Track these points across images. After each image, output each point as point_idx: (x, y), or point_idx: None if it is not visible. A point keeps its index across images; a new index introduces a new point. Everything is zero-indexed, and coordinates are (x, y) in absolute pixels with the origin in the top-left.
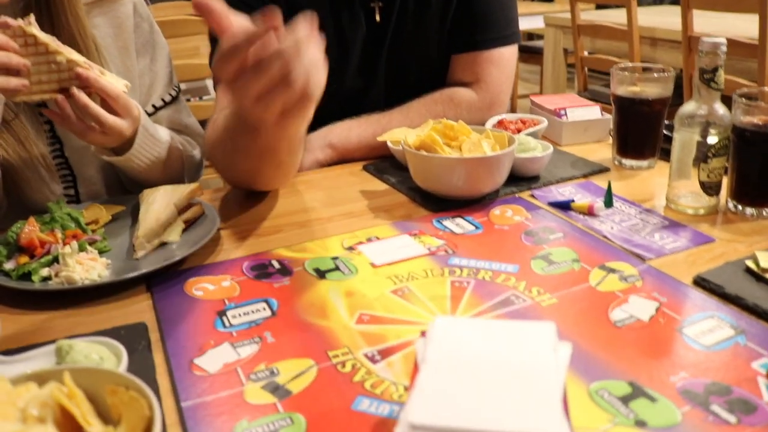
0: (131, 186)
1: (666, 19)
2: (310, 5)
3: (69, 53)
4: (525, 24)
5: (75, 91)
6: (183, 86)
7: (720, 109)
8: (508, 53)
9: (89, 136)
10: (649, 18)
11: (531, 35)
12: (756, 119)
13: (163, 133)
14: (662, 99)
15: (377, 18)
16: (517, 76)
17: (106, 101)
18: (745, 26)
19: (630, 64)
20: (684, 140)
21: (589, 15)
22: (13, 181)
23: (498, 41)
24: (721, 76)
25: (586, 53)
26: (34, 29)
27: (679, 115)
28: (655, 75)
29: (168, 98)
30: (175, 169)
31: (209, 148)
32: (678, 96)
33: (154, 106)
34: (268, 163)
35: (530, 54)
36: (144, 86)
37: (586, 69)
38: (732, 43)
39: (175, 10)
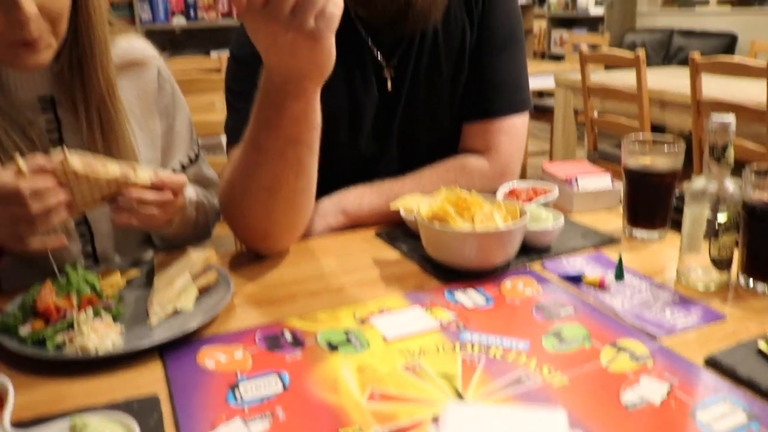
0: (161, 243)
1: (675, 81)
2: None
3: (107, 171)
4: (536, 83)
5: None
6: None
7: (730, 185)
8: (519, 121)
9: (154, 222)
10: (659, 80)
11: (541, 93)
12: (766, 195)
13: (191, 193)
14: (673, 172)
15: (389, 85)
16: (528, 134)
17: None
18: (753, 90)
19: (641, 136)
20: (694, 215)
21: (599, 75)
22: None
23: (509, 109)
24: (731, 153)
25: (596, 114)
26: (73, 162)
27: (689, 191)
28: (666, 148)
29: (192, 156)
30: (202, 224)
31: (223, 199)
32: (687, 157)
33: (182, 164)
34: (285, 185)
35: (541, 112)
36: (166, 146)
37: (596, 129)
38: (740, 108)
39: (191, 64)
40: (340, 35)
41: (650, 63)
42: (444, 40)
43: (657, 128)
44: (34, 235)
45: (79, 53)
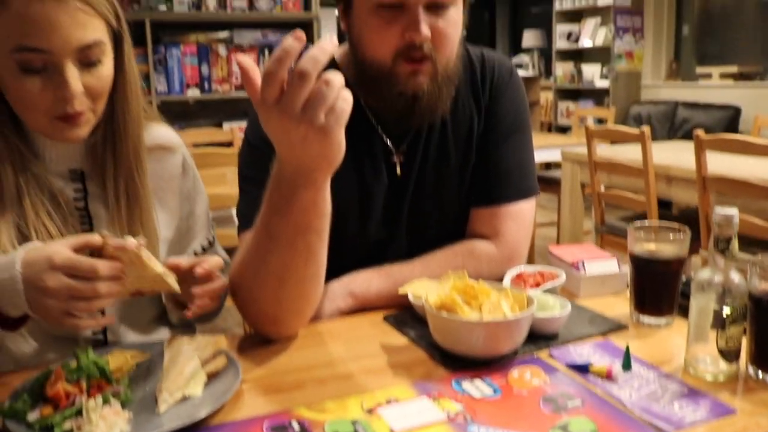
0: (178, 321)
1: (681, 156)
2: None
3: (155, 265)
4: (543, 155)
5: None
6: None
7: (736, 277)
8: (527, 207)
9: (201, 308)
10: (664, 154)
11: (549, 165)
12: None
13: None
14: (679, 259)
15: (398, 171)
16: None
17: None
18: (759, 165)
19: (646, 224)
20: (700, 306)
21: (606, 149)
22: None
23: (516, 196)
24: (736, 245)
25: (602, 188)
26: (143, 251)
27: (694, 282)
28: (671, 236)
29: (211, 239)
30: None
31: (234, 283)
32: (695, 232)
33: (195, 252)
34: (294, 273)
35: (548, 184)
36: (187, 230)
37: (603, 203)
38: (745, 185)
39: (204, 136)
40: (350, 123)
41: (656, 134)
42: (452, 128)
43: (664, 203)
44: (87, 311)
45: (114, 129)
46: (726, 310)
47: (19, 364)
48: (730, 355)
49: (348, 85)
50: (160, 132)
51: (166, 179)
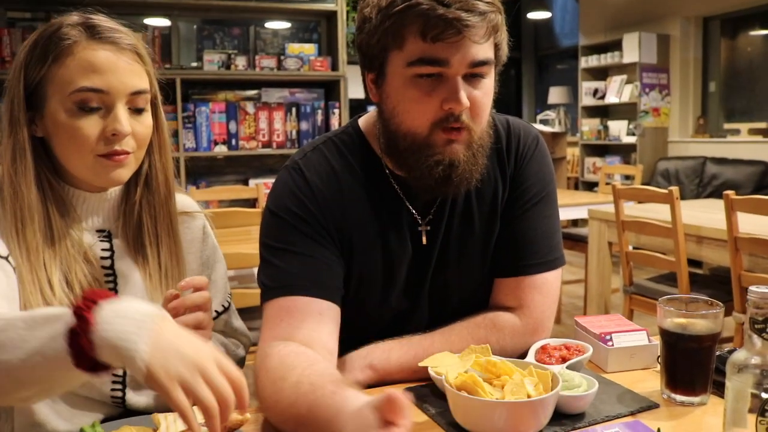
0: None
1: (711, 216)
2: (359, 230)
3: None
4: (570, 213)
5: None
6: (231, 273)
7: None
8: (552, 278)
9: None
10: (694, 214)
11: (576, 221)
12: None
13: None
14: (712, 335)
15: (424, 241)
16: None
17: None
18: None
19: (676, 297)
20: (737, 389)
21: (633, 208)
22: None
23: (541, 267)
24: None
25: (630, 248)
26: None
27: (730, 364)
28: (703, 312)
29: (226, 305)
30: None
31: (267, 398)
32: (727, 293)
33: (216, 311)
34: None
35: (575, 241)
36: None
37: (631, 263)
38: None
39: (231, 193)
40: (377, 195)
41: (684, 190)
42: (477, 197)
43: (693, 262)
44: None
45: (151, 187)
46: (766, 395)
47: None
48: None
49: (376, 157)
50: (182, 199)
51: (188, 242)
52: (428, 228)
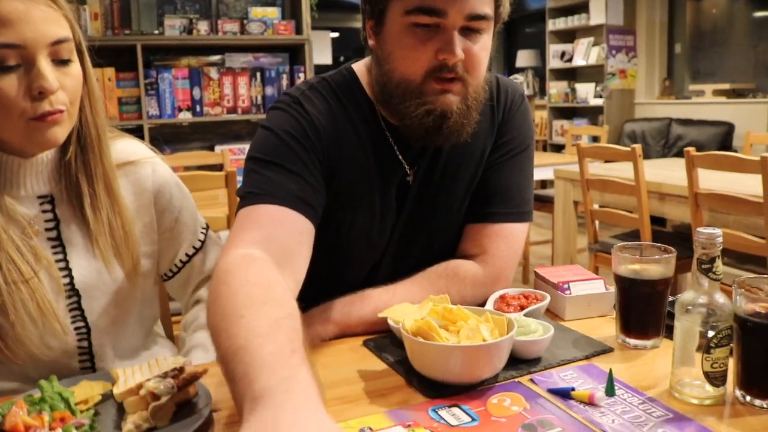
0: None
1: (673, 174)
2: (349, 169)
3: None
4: (538, 174)
5: None
6: None
7: (720, 298)
8: (519, 230)
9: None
10: (657, 172)
11: (544, 183)
12: (758, 308)
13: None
14: (664, 279)
15: (408, 187)
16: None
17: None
18: (751, 182)
19: (631, 244)
20: (685, 329)
21: (598, 168)
22: (17, 340)
23: (510, 217)
24: (719, 266)
25: (595, 206)
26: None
27: (679, 304)
28: (656, 256)
29: (198, 245)
30: None
31: (213, 306)
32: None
33: (181, 260)
34: None
35: (543, 202)
36: (172, 238)
37: (596, 221)
38: (737, 200)
39: (197, 159)
40: (368, 141)
41: (650, 151)
42: (467, 151)
43: (656, 219)
44: None
45: (84, 144)
46: (711, 333)
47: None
48: (716, 378)
49: (369, 103)
50: (126, 146)
51: (136, 193)
52: (415, 175)
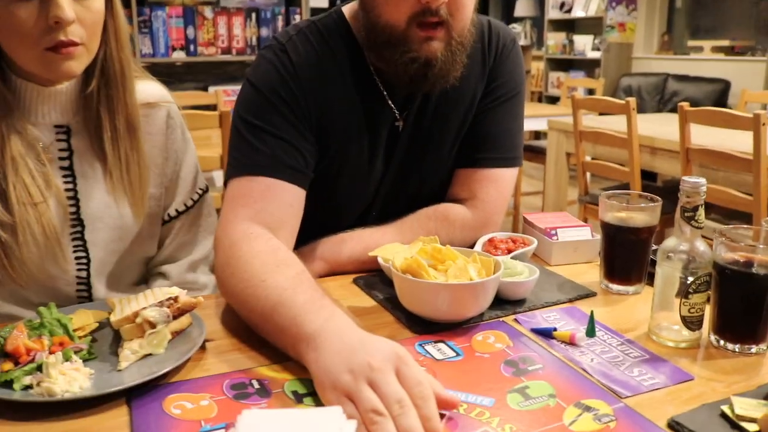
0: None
1: (666, 128)
2: (338, 117)
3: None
4: (531, 124)
5: None
6: None
7: (701, 245)
8: (508, 174)
9: None
10: (650, 126)
11: (537, 134)
12: (736, 256)
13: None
14: (649, 227)
15: (399, 131)
16: (522, 173)
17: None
18: (742, 138)
19: (618, 192)
20: (666, 274)
21: (592, 120)
22: (21, 260)
23: (500, 162)
24: (702, 215)
25: (587, 158)
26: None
27: (660, 251)
28: (642, 205)
29: (190, 203)
30: None
31: (228, 283)
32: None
33: (170, 215)
34: None
35: (535, 153)
36: (170, 188)
37: (587, 173)
38: (728, 157)
39: (190, 99)
40: (358, 87)
41: (645, 106)
42: (456, 94)
43: (647, 174)
44: None
45: (108, 78)
46: (690, 279)
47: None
48: (692, 323)
49: (358, 47)
50: (146, 88)
51: (151, 135)
52: (405, 121)
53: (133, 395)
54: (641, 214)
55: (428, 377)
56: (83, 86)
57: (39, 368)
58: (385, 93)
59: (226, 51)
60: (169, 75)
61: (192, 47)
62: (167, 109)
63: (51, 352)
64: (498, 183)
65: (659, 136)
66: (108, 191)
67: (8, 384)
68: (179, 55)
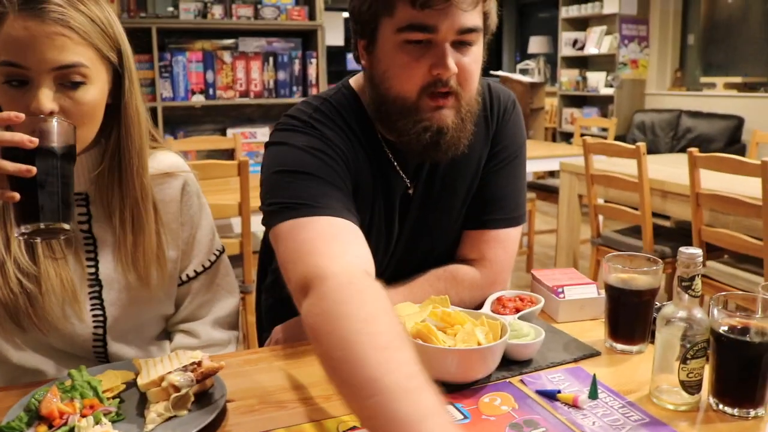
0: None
1: (677, 171)
2: (357, 186)
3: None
4: (544, 165)
5: None
6: None
7: (698, 313)
8: (514, 233)
9: None
10: (661, 169)
11: (552, 173)
12: (733, 323)
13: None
14: (651, 290)
15: (410, 201)
16: (536, 212)
17: None
18: (755, 182)
19: (621, 254)
20: (665, 339)
21: (604, 162)
22: (44, 310)
23: (506, 222)
24: (698, 284)
25: (600, 201)
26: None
27: (660, 317)
28: (645, 268)
29: (207, 264)
30: None
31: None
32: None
33: (188, 275)
34: None
35: (549, 192)
36: (187, 251)
37: (599, 216)
38: (737, 202)
39: (209, 144)
40: (370, 159)
41: (659, 142)
42: (464, 161)
43: (659, 216)
44: None
45: (119, 160)
46: (690, 342)
47: (17, 376)
48: (691, 387)
49: (368, 120)
50: (166, 158)
51: (166, 202)
52: (415, 188)
53: None
54: (643, 277)
55: None
56: (101, 158)
57: (71, 431)
58: (395, 163)
59: (244, 94)
60: (188, 118)
61: (211, 90)
62: (184, 179)
63: (83, 415)
64: (505, 243)
65: (670, 180)
66: (120, 259)
67: None
68: (199, 99)
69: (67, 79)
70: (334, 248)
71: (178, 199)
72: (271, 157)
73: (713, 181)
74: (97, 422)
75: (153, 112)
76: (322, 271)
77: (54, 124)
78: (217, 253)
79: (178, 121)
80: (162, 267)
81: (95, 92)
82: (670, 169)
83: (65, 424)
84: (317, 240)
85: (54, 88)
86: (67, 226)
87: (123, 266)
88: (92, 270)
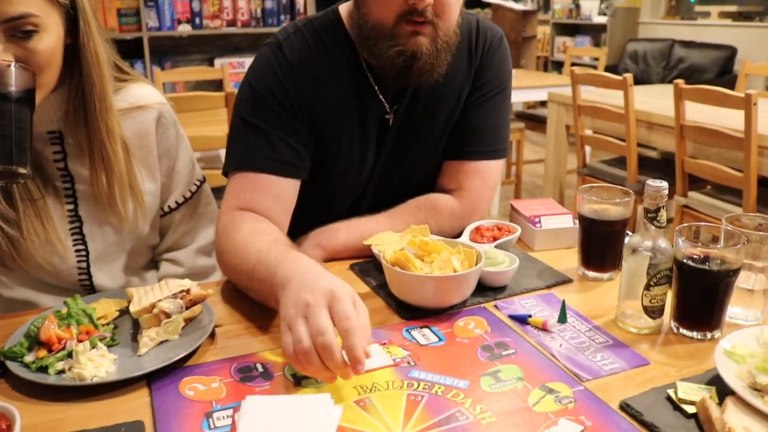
0: None
1: (664, 103)
2: (332, 112)
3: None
4: (532, 95)
5: None
6: (197, 155)
7: (663, 242)
8: (495, 166)
9: None
10: (648, 100)
11: (543, 102)
12: (695, 252)
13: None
14: (623, 220)
15: (389, 126)
16: (525, 141)
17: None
18: (738, 115)
19: (595, 186)
20: (631, 267)
21: (592, 93)
22: (27, 251)
23: (486, 155)
24: (663, 215)
25: (586, 132)
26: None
27: (626, 246)
28: (617, 200)
29: (188, 194)
30: None
31: (222, 258)
32: (671, 177)
33: (170, 206)
34: None
35: (538, 122)
36: (167, 183)
37: (585, 146)
38: (720, 135)
39: (196, 74)
40: (351, 82)
41: (651, 72)
42: (444, 91)
43: (645, 147)
44: None
45: (82, 98)
46: (654, 269)
47: (12, 308)
48: (653, 311)
49: (352, 44)
50: (139, 91)
51: (141, 136)
52: (395, 114)
53: (153, 379)
54: (615, 208)
55: (360, 315)
56: (66, 98)
57: (69, 355)
58: (376, 88)
59: (231, 23)
60: (175, 47)
61: (197, 20)
62: (158, 110)
63: (79, 341)
64: (484, 174)
65: (657, 111)
66: (97, 193)
67: (43, 369)
68: (185, 28)
69: (18, 30)
70: (230, 202)
71: (153, 132)
72: (240, 94)
73: (700, 113)
74: (94, 346)
75: (138, 42)
76: (217, 221)
77: (10, 69)
78: (198, 183)
79: (164, 51)
80: (139, 201)
81: (49, 39)
82: (657, 100)
83: (63, 348)
84: (228, 193)
85: (5, 40)
86: (22, 170)
87: (100, 202)
88: (71, 207)
